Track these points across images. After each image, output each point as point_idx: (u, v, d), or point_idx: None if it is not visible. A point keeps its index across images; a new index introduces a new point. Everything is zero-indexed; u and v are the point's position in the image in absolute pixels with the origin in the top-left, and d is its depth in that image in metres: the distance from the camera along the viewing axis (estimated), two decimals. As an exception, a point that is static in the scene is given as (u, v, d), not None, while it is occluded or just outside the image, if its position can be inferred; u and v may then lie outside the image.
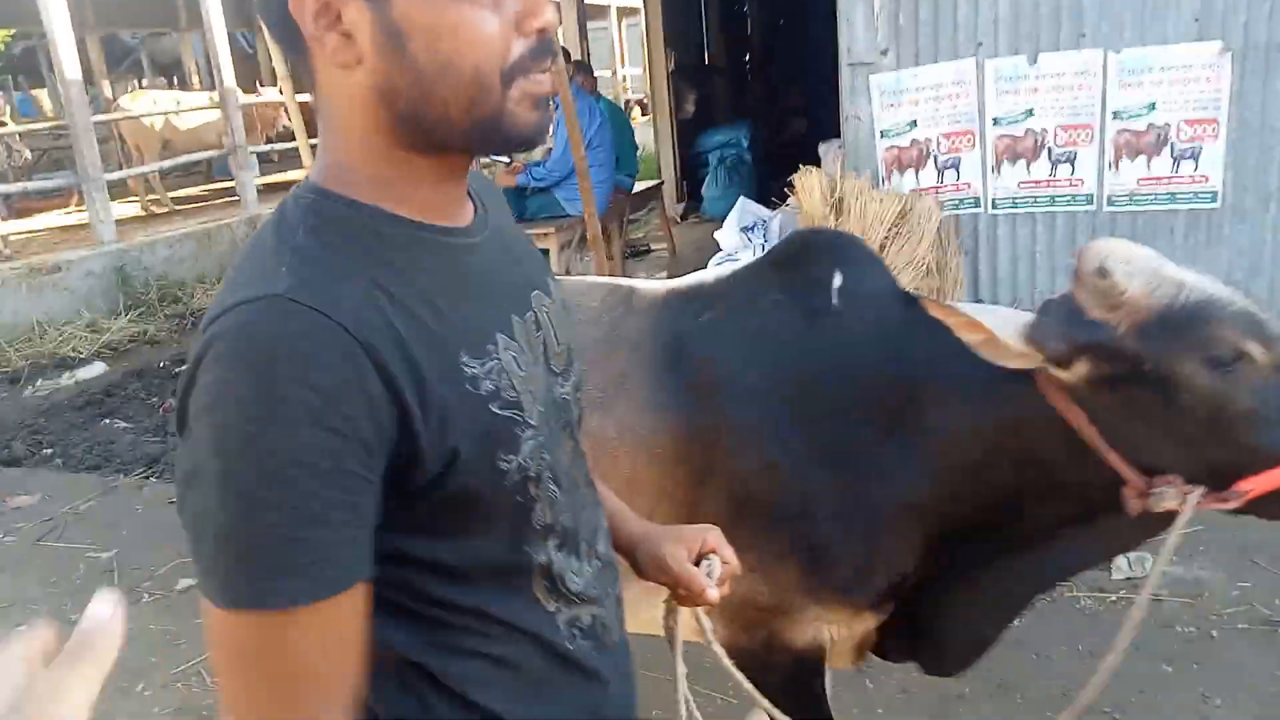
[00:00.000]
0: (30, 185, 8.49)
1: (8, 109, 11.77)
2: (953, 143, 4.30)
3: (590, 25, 14.92)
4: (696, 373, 1.67)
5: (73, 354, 6.75)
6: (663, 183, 7.27)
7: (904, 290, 1.67)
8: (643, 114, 12.96)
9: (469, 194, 0.92)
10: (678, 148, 8.54)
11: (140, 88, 13.87)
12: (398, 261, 0.81)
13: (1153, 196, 4.09)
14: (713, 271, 1.91)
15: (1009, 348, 1.31)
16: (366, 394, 0.73)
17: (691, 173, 8.60)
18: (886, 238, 4.22)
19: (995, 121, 4.21)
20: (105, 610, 0.51)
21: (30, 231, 9.08)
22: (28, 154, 8.60)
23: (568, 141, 5.38)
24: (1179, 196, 4.05)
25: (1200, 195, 4.02)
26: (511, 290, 0.91)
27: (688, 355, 1.69)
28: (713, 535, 1.10)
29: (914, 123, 4.32)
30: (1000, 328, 1.31)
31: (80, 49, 13.30)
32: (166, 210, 9.80)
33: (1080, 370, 1.30)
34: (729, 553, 1.10)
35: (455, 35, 0.77)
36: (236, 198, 9.33)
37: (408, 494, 0.79)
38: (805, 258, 1.70)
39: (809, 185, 4.27)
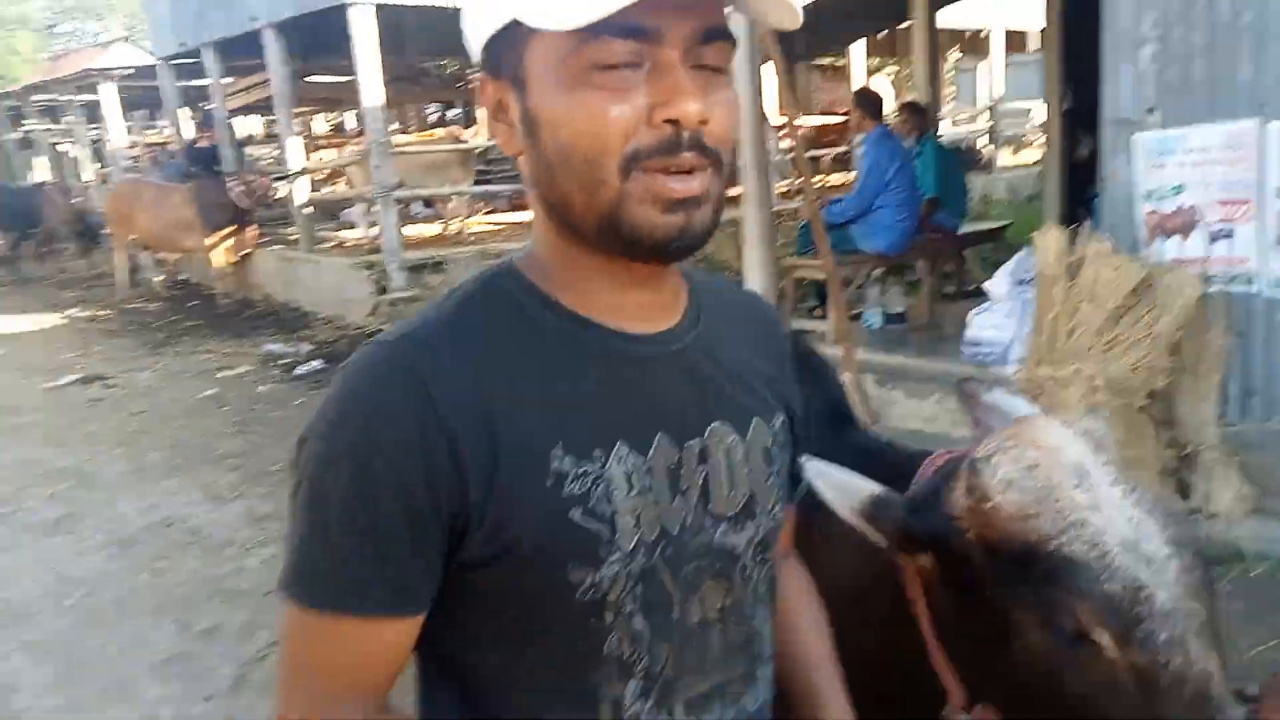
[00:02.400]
0: (495, 189, 10.64)
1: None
2: (1225, 212, 3.84)
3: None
4: None
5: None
6: (1009, 225, 7.01)
7: (838, 411, 1.47)
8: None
9: (691, 299, 0.90)
10: (1066, 191, 8.06)
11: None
12: (532, 345, 0.80)
13: None
14: None
15: (837, 515, 1.11)
16: (427, 457, 0.73)
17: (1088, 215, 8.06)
18: (1121, 307, 3.93)
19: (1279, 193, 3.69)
20: None
21: (500, 225, 11.27)
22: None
23: (863, 183, 5.63)
24: None
25: None
26: (674, 411, 0.83)
27: None
28: None
29: (1180, 187, 3.93)
30: (837, 495, 1.10)
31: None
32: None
33: (924, 561, 1.10)
34: None
35: (572, 123, 0.74)
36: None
37: (466, 570, 0.77)
38: None
39: (1045, 244, 4.12)
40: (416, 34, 12.44)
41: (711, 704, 0.87)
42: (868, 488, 1.09)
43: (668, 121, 0.74)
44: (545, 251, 0.84)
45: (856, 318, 5.88)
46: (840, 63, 15.98)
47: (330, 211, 12.46)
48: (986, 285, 5.04)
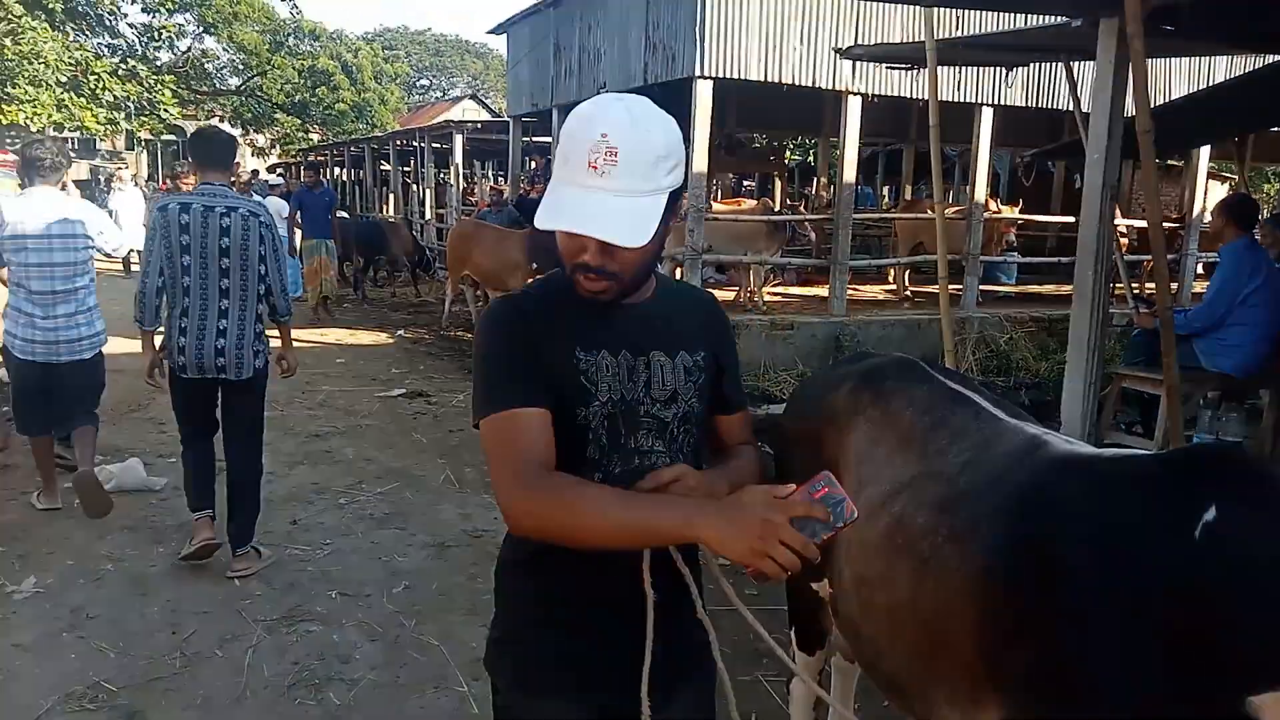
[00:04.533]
0: (793, 261, 10.80)
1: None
2: None
3: None
4: (1036, 538, 1.67)
5: (779, 394, 8.51)
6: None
7: None
8: None
9: (657, 291, 1.61)
10: None
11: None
12: (571, 302, 1.52)
13: None
14: (1114, 451, 1.87)
15: None
16: (526, 336, 1.50)
17: None
18: None
19: None
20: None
21: (788, 297, 11.42)
22: (812, 235, 10.91)
23: (1216, 295, 5.20)
24: None
25: None
26: (633, 340, 1.56)
27: (1039, 520, 1.69)
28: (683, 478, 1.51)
29: None
30: None
31: (896, 157, 15.75)
32: (901, 298, 11.35)
33: None
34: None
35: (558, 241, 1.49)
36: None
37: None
38: (1194, 472, 1.57)
39: None
40: (736, 106, 13.05)
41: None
42: None
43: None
44: None
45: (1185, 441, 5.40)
46: (1174, 163, 14.90)
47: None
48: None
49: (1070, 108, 6.61)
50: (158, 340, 4.41)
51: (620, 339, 1.54)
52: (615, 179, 1.38)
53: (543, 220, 1.41)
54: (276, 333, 4.66)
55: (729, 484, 1.54)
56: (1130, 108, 4.60)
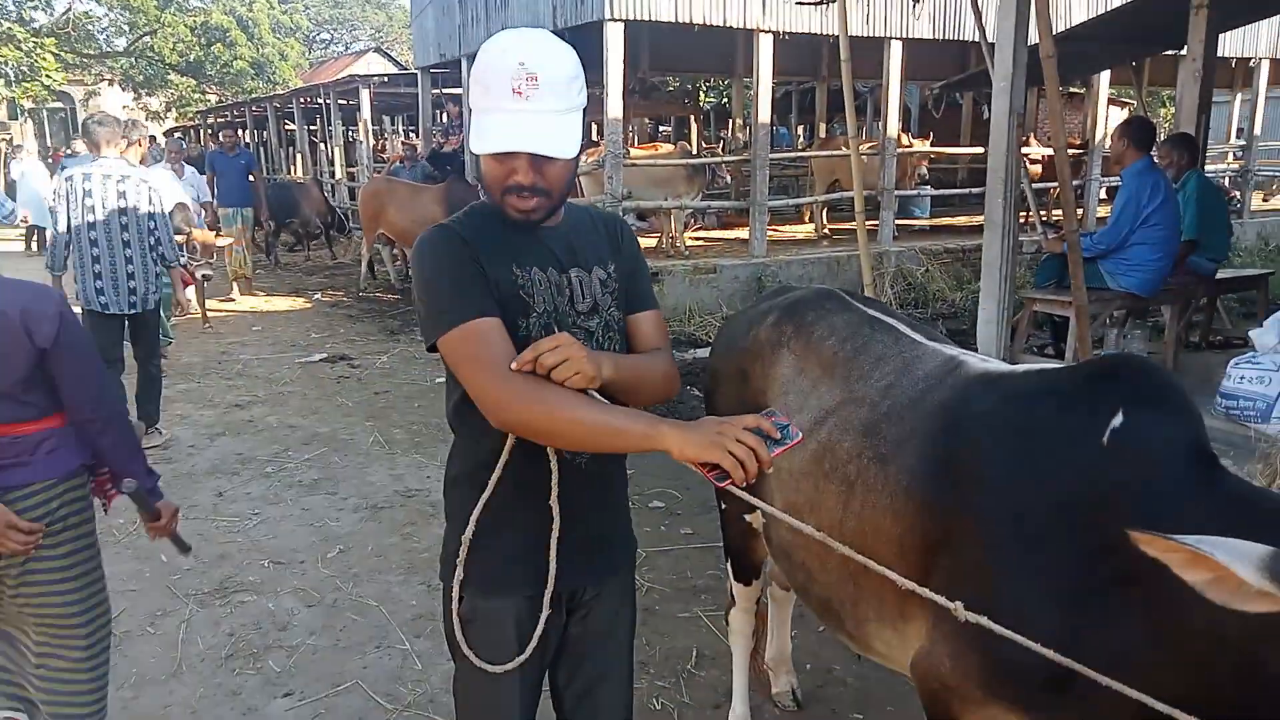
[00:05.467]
0: (712, 205, 10.80)
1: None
2: None
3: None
4: (955, 453, 1.74)
5: (705, 338, 8.56)
6: (1271, 273, 6.46)
7: (1204, 451, 1.50)
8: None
9: (566, 216, 1.73)
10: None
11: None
12: (501, 226, 1.63)
13: None
14: (1026, 366, 1.93)
15: (1245, 587, 1.15)
16: (469, 254, 1.59)
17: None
18: None
19: None
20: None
21: (709, 240, 11.45)
22: (728, 177, 10.96)
23: (1119, 217, 5.37)
24: None
25: None
26: (557, 258, 1.69)
27: (957, 435, 1.75)
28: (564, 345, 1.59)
29: None
30: (1234, 562, 1.15)
31: (810, 96, 15.76)
32: (820, 236, 11.47)
33: None
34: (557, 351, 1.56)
35: (488, 175, 1.60)
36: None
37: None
38: (1101, 382, 1.64)
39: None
40: (648, 49, 12.90)
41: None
42: (1259, 548, 1.16)
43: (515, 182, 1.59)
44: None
45: (1094, 358, 5.60)
46: (1076, 90, 15.26)
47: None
48: (1252, 335, 4.70)
49: (976, 38, 6.70)
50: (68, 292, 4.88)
51: (546, 257, 1.67)
52: (539, 100, 1.50)
53: (478, 145, 1.53)
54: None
55: (615, 367, 1.61)
56: (1034, 35, 4.69)
